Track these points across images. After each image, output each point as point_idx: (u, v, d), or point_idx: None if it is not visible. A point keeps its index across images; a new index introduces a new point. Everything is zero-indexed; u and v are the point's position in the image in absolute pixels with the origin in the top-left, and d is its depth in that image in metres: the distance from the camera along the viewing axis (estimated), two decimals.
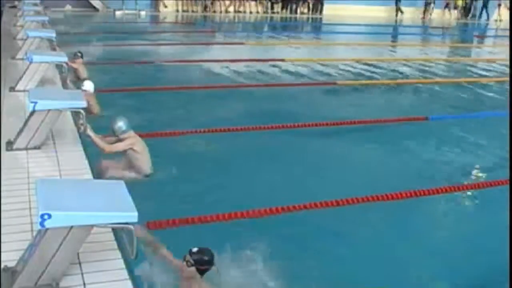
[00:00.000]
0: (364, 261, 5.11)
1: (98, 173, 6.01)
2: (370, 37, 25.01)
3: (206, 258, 3.94)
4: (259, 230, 5.51)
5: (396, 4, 32.63)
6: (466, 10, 33.67)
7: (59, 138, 6.40)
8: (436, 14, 33.32)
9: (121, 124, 6.27)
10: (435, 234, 5.80)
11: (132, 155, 6.31)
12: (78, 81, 10.03)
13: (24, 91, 8.08)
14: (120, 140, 6.30)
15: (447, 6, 33.60)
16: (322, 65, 15.48)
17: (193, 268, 3.90)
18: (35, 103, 5.80)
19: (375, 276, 4.87)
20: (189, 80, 12.47)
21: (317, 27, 28.97)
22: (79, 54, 11.24)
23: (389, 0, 32.48)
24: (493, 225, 5.92)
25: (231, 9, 30.54)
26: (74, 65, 10.72)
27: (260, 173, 7.08)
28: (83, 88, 8.81)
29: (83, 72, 10.82)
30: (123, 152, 6.38)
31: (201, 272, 3.95)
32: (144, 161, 6.37)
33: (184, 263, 3.92)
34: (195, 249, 3.94)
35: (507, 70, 15.10)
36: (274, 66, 14.78)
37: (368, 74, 14.68)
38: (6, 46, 11.40)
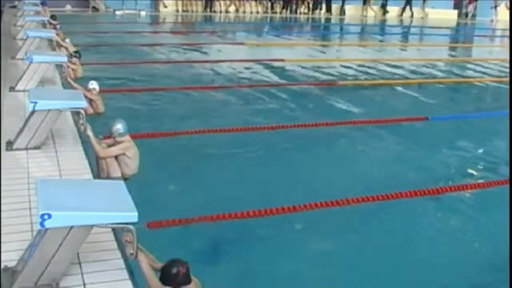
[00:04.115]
0: (363, 261, 5.11)
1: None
2: (371, 37, 25.07)
3: (172, 272, 3.66)
4: (259, 231, 5.53)
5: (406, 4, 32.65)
6: (385, 7, 32.90)
7: (59, 138, 6.41)
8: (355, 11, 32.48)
9: (119, 126, 6.23)
10: (435, 234, 5.80)
11: (122, 159, 6.28)
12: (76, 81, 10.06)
13: (24, 91, 8.09)
14: (115, 142, 6.26)
15: (365, 2, 32.54)
16: (323, 65, 15.48)
17: None
18: (35, 103, 5.80)
19: (375, 276, 4.87)
20: (189, 80, 12.47)
21: (318, 27, 28.96)
22: (76, 54, 11.25)
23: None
24: (493, 225, 5.93)
25: (231, 9, 30.54)
26: (72, 66, 10.73)
27: (259, 173, 7.08)
28: (90, 86, 8.82)
29: (80, 72, 10.83)
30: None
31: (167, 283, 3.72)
32: (132, 168, 6.33)
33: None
34: (162, 266, 3.74)
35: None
36: (274, 66, 14.78)
37: (369, 74, 14.68)
38: (6, 46, 11.40)
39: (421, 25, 29.95)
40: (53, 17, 15.97)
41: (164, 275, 3.65)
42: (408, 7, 32.64)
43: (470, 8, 33.97)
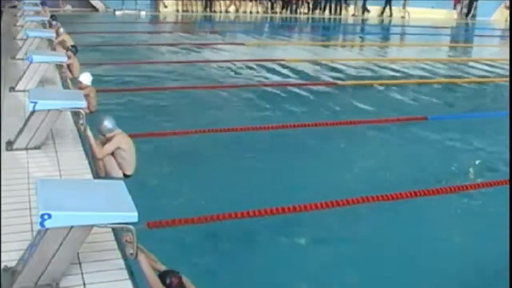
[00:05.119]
0: (363, 261, 5.12)
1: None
2: (371, 37, 25.08)
3: (166, 281, 3.60)
4: (259, 231, 5.53)
5: (386, 4, 32.63)
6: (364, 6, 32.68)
7: (59, 138, 6.40)
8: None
9: (106, 123, 6.12)
10: (435, 234, 5.80)
11: (118, 154, 6.22)
12: (73, 79, 9.94)
13: (24, 91, 8.08)
14: (107, 140, 6.23)
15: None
16: (323, 65, 15.48)
17: None
18: (35, 103, 5.80)
19: (375, 276, 4.88)
20: (189, 81, 12.48)
21: (317, 27, 28.97)
22: (72, 49, 11.07)
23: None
24: (493, 225, 5.93)
25: (231, 9, 30.56)
26: (67, 61, 10.62)
27: (260, 173, 7.09)
28: (79, 79, 8.68)
29: (76, 68, 10.65)
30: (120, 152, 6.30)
31: None
32: (129, 160, 6.25)
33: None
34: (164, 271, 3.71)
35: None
36: (274, 66, 14.78)
37: (369, 74, 14.68)
38: (6, 46, 11.40)
39: (419, 25, 29.94)
40: (53, 17, 15.95)
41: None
42: (388, 7, 32.61)
43: (458, 8, 33.90)
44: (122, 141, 6.19)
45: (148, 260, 3.71)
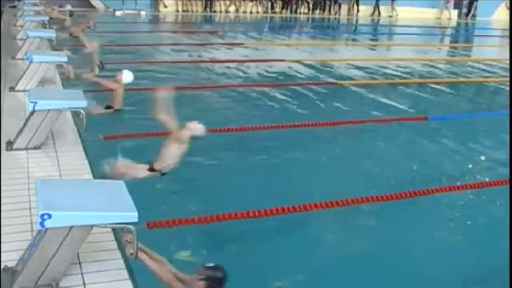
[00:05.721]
0: (363, 261, 5.12)
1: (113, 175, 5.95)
2: (371, 37, 25.09)
3: (219, 275, 3.58)
4: (259, 231, 5.53)
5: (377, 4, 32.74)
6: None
7: (59, 138, 6.41)
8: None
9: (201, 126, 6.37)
10: (435, 234, 5.80)
11: (176, 149, 6.31)
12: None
13: (24, 91, 8.09)
14: (181, 133, 6.33)
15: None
16: (323, 65, 15.48)
17: (202, 283, 3.55)
18: (35, 103, 5.81)
19: (373, 276, 4.88)
20: (188, 80, 12.47)
21: (317, 27, 28.97)
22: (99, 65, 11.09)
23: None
24: (493, 226, 5.93)
25: (231, 9, 30.57)
26: (89, 46, 10.63)
27: (260, 173, 7.08)
28: (123, 73, 8.70)
29: (96, 57, 10.63)
30: (172, 143, 6.36)
31: None
32: (175, 160, 6.35)
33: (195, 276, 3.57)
34: (209, 264, 3.63)
35: None
36: (274, 66, 14.78)
37: (369, 74, 14.68)
38: (6, 46, 11.40)
39: (418, 25, 29.97)
40: (70, 13, 15.90)
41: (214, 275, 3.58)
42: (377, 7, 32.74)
43: (449, 6, 33.91)
44: (184, 144, 6.33)
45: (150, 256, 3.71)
